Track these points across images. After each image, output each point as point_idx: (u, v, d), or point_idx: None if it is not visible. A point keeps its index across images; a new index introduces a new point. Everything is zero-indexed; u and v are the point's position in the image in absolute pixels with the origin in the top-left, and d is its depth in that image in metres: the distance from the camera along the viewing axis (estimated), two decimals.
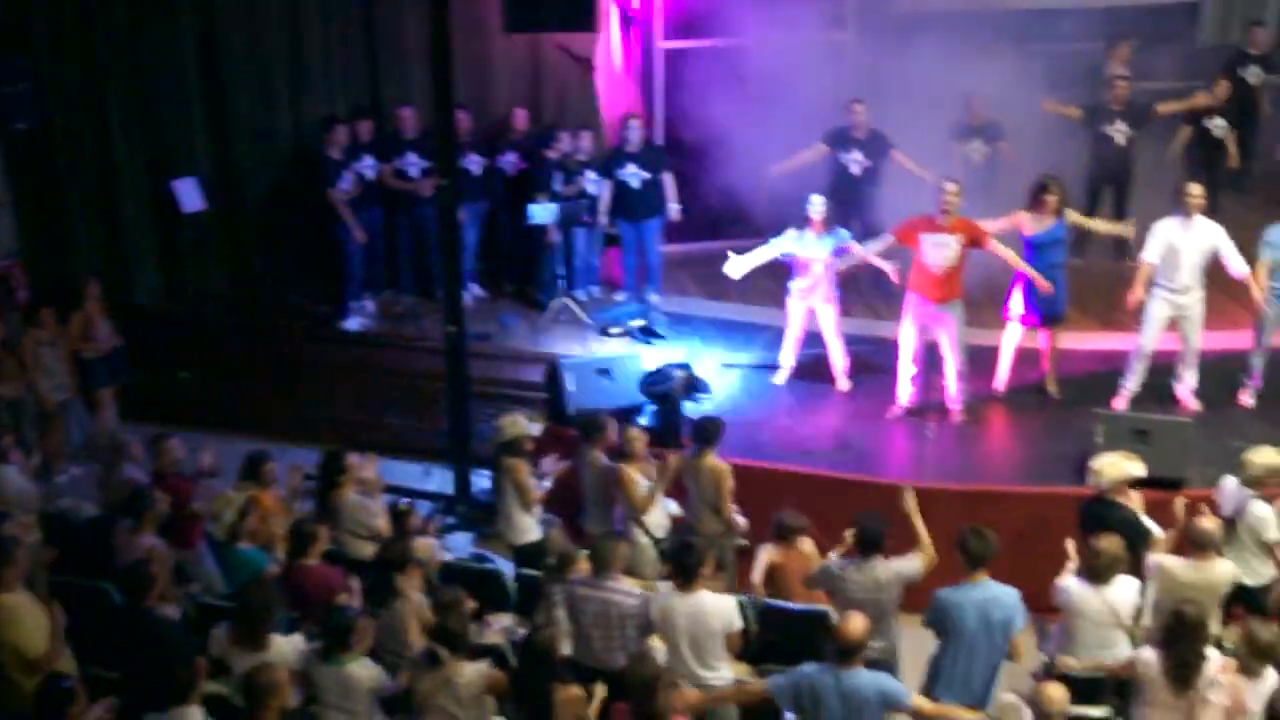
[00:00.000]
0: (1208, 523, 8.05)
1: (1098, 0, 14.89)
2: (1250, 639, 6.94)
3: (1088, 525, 8.35)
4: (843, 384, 11.53)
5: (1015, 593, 7.46)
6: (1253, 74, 14.21)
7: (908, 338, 10.83)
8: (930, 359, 10.91)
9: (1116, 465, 8.55)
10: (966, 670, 7.41)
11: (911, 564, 7.89)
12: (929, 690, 7.45)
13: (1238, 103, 13.76)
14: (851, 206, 12.22)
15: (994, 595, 7.41)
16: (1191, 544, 7.95)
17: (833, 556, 8.06)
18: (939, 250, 10.49)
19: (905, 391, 11.04)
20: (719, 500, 9.18)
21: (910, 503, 8.11)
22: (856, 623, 6.74)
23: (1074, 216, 11.09)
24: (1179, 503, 8.51)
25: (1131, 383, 10.98)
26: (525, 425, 9.47)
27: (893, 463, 10.60)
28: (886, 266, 10.89)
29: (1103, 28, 14.44)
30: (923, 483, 10.04)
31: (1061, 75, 13.46)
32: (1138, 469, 8.61)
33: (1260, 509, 8.47)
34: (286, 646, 7.18)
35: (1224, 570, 7.96)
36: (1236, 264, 10.52)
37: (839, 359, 11.48)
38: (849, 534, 7.97)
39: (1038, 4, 14.73)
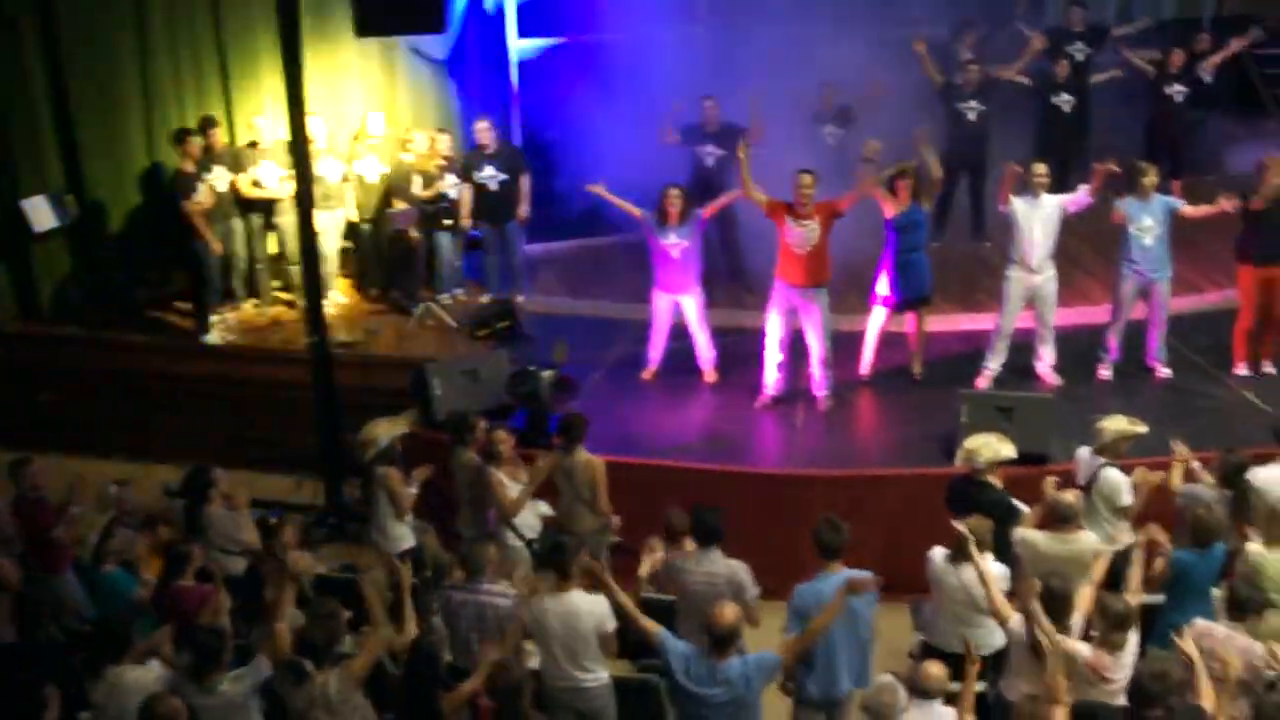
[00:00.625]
0: (1069, 496, 8.22)
1: None
2: (1104, 612, 7.07)
3: (956, 505, 8.46)
4: (710, 376, 11.57)
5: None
6: (1079, 50, 14.58)
7: (774, 326, 10.88)
8: (798, 346, 10.99)
9: (991, 446, 8.66)
10: (829, 660, 7.46)
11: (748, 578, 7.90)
12: (800, 679, 7.54)
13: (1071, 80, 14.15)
14: (710, 198, 12.29)
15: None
16: (1054, 518, 8.11)
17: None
18: (800, 233, 10.57)
19: (772, 380, 11.11)
20: (594, 496, 9.17)
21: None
22: (729, 612, 6.77)
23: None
24: (1049, 480, 8.65)
25: (994, 362, 11.18)
26: (394, 432, 9.37)
27: (764, 452, 10.65)
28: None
29: (950, 12, 14.56)
30: (794, 470, 10.21)
31: (912, 60, 13.59)
32: (1009, 450, 8.73)
33: (1113, 475, 8.67)
34: (145, 674, 7.04)
35: (1087, 541, 8.12)
36: (1077, 199, 10.80)
37: (705, 351, 11.52)
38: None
39: None
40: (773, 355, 10.99)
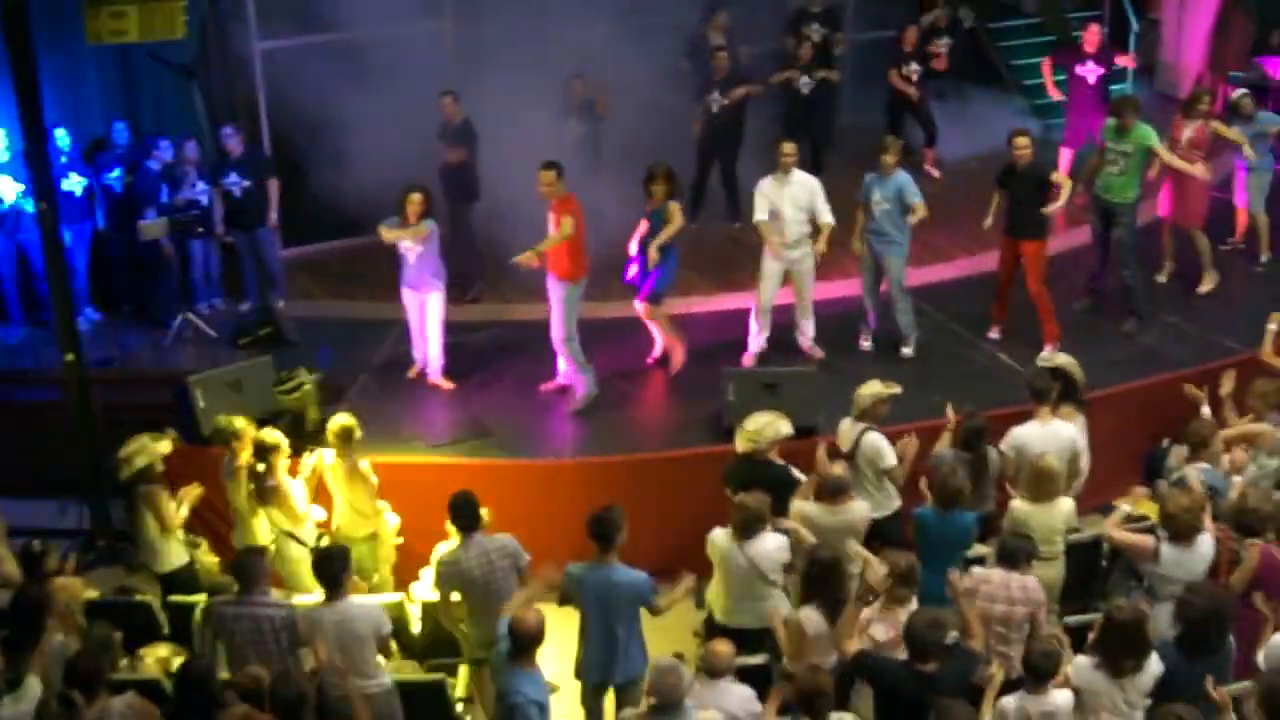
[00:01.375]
0: (837, 468, 8.43)
1: None
2: (893, 569, 7.32)
3: (735, 483, 8.58)
4: (436, 379, 11.36)
5: (639, 575, 7.63)
6: (815, 31, 14.87)
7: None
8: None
9: (772, 426, 8.80)
10: (602, 642, 7.58)
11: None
12: (582, 666, 7.64)
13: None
14: (455, 195, 12.24)
15: (617, 575, 7.56)
16: (825, 490, 8.31)
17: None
18: (548, 228, 10.57)
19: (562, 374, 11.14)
20: (366, 500, 9.08)
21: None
22: (532, 618, 6.82)
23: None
24: (820, 450, 8.87)
25: (756, 339, 11.37)
26: (154, 449, 9.11)
27: (536, 442, 10.62)
28: None
29: None
30: (567, 459, 10.23)
31: (665, 47, 13.75)
32: (788, 427, 8.89)
33: (873, 439, 8.96)
34: None
35: (859, 510, 8.35)
36: (825, 216, 11.02)
37: (435, 354, 11.30)
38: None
39: None
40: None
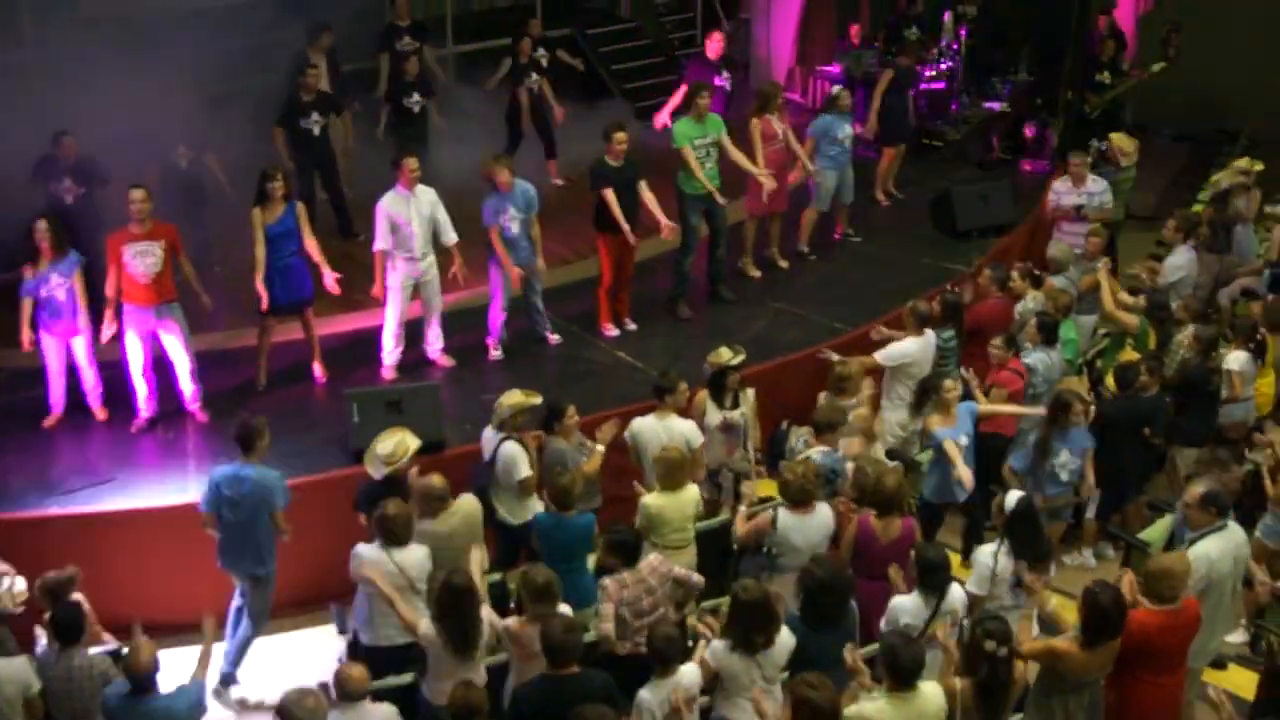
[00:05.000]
0: (436, 479, 8.38)
1: None
2: (525, 584, 7.35)
3: (366, 506, 8.47)
4: (99, 414, 10.89)
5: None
6: (406, 44, 14.92)
7: (135, 351, 10.50)
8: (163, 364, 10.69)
9: (402, 445, 8.70)
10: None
11: None
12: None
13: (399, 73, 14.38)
14: (73, 234, 11.67)
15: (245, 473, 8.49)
16: (424, 505, 8.31)
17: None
18: (143, 258, 10.24)
19: (145, 403, 10.72)
20: None
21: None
22: (146, 652, 6.72)
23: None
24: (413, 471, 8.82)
25: (392, 354, 11.31)
26: None
27: (151, 480, 10.10)
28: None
29: (300, 15, 14.38)
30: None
31: (263, 67, 13.57)
32: (415, 442, 8.79)
33: (510, 450, 8.98)
34: None
35: (472, 517, 8.43)
36: (448, 235, 11.09)
37: (93, 385, 10.79)
38: None
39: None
40: (140, 380, 10.64)
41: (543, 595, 7.24)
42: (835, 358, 10.12)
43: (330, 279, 10.93)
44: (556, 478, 8.38)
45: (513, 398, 9.13)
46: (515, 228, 11.26)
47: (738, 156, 12.39)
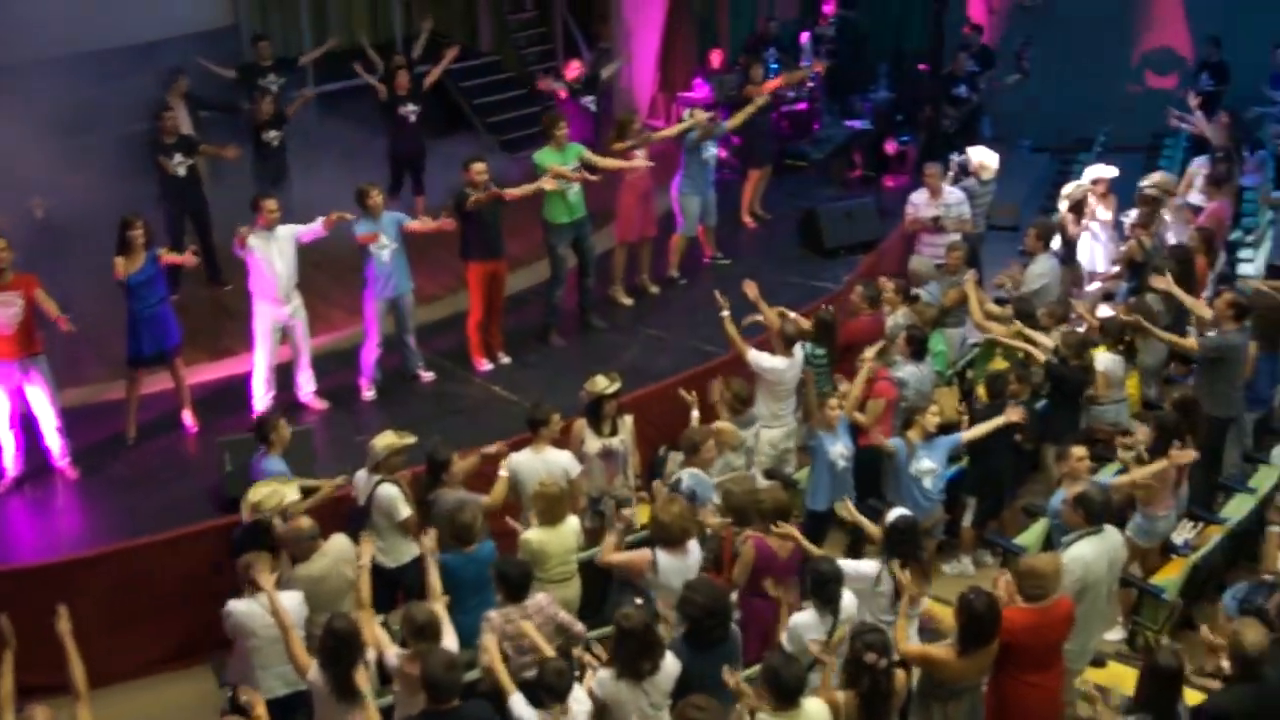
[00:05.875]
0: (304, 521, 8.32)
1: (143, 35, 14.76)
2: (406, 619, 7.31)
3: (243, 551, 8.25)
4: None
5: None
6: (272, 81, 14.84)
7: None
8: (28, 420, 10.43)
9: (277, 494, 8.58)
10: None
11: None
12: None
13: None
14: None
15: None
16: (296, 549, 8.27)
17: None
18: (4, 309, 9.97)
19: (11, 460, 10.44)
20: None
21: None
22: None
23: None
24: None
25: (265, 400, 11.15)
26: None
27: (20, 540, 9.89)
28: None
29: (155, 60, 14.35)
30: (60, 557, 9.58)
31: (127, 114, 13.41)
32: (293, 492, 8.68)
33: (387, 491, 8.92)
34: None
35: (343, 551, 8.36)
36: (312, 230, 11.02)
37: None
38: None
39: (76, 48, 13.99)
40: (5, 435, 10.35)
41: (423, 632, 7.16)
42: (690, 397, 10.17)
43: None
44: (458, 515, 8.30)
45: (386, 439, 9.06)
46: (386, 256, 11.20)
47: (609, 162, 12.48)
